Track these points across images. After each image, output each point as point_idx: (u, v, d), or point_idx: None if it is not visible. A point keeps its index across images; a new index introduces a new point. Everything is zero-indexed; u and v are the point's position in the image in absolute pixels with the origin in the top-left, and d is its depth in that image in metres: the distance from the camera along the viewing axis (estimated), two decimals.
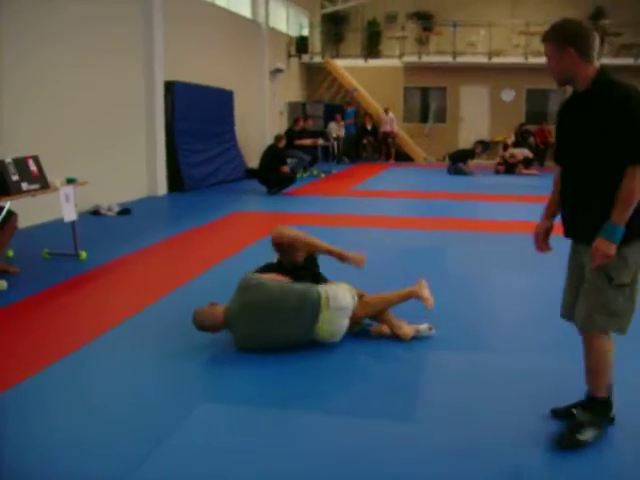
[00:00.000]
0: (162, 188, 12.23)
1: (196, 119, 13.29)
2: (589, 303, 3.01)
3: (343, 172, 17.31)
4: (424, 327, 4.58)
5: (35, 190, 6.05)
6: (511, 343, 4.55)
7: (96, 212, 9.65)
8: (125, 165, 11.14)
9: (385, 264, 6.50)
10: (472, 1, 21.24)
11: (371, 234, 8.35)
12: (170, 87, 12.33)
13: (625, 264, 2.91)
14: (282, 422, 3.34)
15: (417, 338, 4.49)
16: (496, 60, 20.33)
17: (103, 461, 2.92)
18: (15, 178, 5.81)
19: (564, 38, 2.91)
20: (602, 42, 20.05)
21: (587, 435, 3.05)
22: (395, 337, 4.48)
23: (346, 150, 20.20)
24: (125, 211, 9.88)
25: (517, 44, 20.49)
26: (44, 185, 6.17)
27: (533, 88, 21.14)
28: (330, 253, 4.75)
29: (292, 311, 4.20)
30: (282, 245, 4.67)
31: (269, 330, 4.21)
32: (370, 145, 21.25)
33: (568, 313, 3.22)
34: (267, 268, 4.76)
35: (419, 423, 3.34)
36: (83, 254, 6.76)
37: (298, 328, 4.22)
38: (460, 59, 20.48)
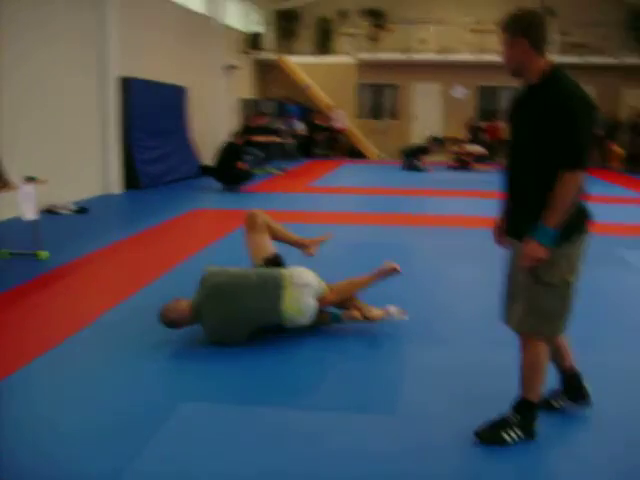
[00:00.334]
0: (117, 186, 12.04)
1: (151, 116, 13.13)
2: (522, 305, 3.00)
3: (297, 169, 17.30)
4: (394, 309, 4.62)
5: None
6: (468, 337, 4.63)
7: (51, 211, 9.45)
8: (78, 163, 10.94)
9: (345, 260, 6.58)
10: None
11: (330, 231, 8.35)
12: (126, 84, 12.14)
13: (552, 264, 2.89)
14: (258, 419, 3.35)
15: (384, 333, 4.55)
16: (448, 57, 20.54)
17: (90, 461, 2.89)
18: None
19: (518, 29, 2.86)
20: (552, 41, 20.48)
21: (512, 435, 3.06)
22: (365, 320, 4.54)
23: (298, 147, 20.25)
24: (82, 210, 9.70)
25: (468, 42, 20.74)
26: (3, 184, 6.03)
27: (485, 85, 21.46)
28: (296, 244, 5.05)
29: (256, 286, 4.27)
30: (255, 221, 4.80)
31: (236, 310, 4.21)
32: (323, 142, 21.29)
33: (505, 316, 3.22)
34: None
35: (396, 416, 3.39)
36: (44, 254, 6.63)
37: (264, 303, 4.23)
38: (412, 56, 20.64)
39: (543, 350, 3.04)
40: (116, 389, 3.68)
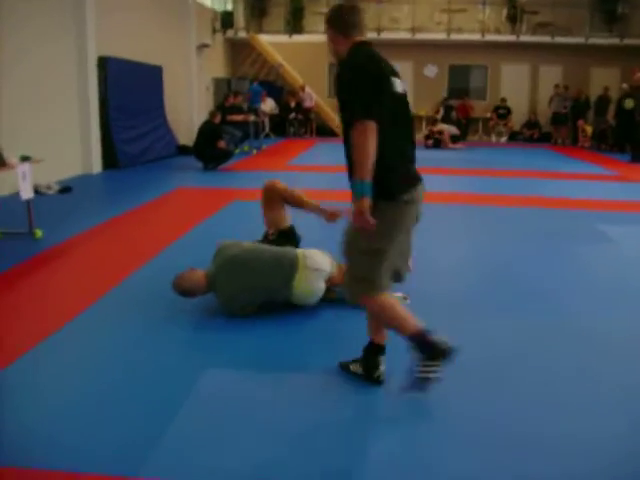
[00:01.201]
0: (97, 166, 12.00)
1: (128, 95, 13.06)
2: (347, 270, 3.33)
3: (272, 148, 17.35)
4: (399, 296, 4.78)
5: None
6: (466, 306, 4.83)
7: (36, 191, 9.39)
8: (59, 142, 10.87)
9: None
10: None
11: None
12: (102, 62, 12.06)
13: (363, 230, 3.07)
14: (279, 383, 3.49)
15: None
16: (419, 36, 20.66)
17: (118, 438, 3.00)
18: None
19: (327, 22, 3.35)
20: (520, 20, 20.76)
21: (357, 371, 3.49)
22: None
23: (271, 126, 20.30)
24: (66, 189, 9.69)
25: (439, 21, 20.89)
26: (1, 163, 6.04)
27: (455, 64, 21.67)
28: (316, 210, 5.09)
29: (270, 264, 4.40)
30: (272, 195, 4.91)
31: (249, 283, 4.34)
32: (296, 121, 21.32)
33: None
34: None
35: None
36: (38, 232, 6.66)
37: (277, 280, 4.37)
38: (384, 35, 20.71)
39: (384, 306, 3.25)
40: (137, 360, 3.78)
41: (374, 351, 3.45)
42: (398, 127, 3.21)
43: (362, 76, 3.06)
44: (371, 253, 3.15)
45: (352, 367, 3.53)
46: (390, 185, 3.12)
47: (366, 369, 3.46)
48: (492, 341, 4.14)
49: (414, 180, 3.29)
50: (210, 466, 2.72)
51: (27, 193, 6.37)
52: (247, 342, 4.04)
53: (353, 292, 3.31)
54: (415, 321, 3.24)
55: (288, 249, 4.60)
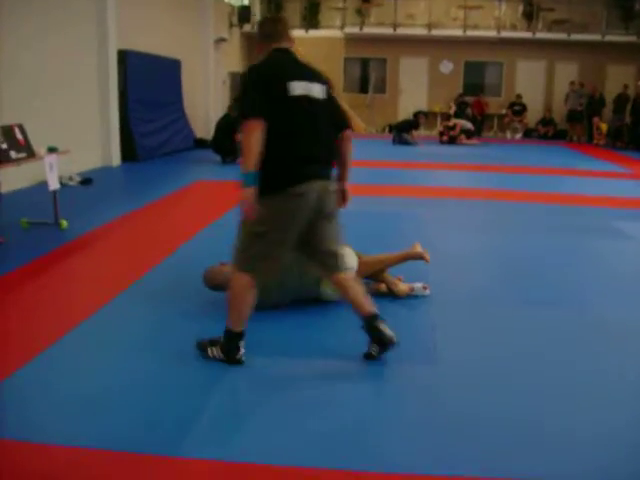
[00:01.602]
0: (116, 158, 12.15)
1: (147, 89, 13.21)
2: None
3: None
4: (419, 286, 4.90)
5: (22, 159, 6.07)
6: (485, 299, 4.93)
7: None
8: (80, 135, 11.00)
9: (360, 228, 6.80)
10: None
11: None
12: (122, 56, 12.20)
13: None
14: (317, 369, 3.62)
15: (412, 297, 4.81)
16: (435, 32, 20.70)
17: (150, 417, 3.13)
18: (4, 146, 5.82)
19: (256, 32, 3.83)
20: (536, 17, 20.77)
21: (214, 353, 3.65)
22: (391, 294, 4.79)
23: None
24: (87, 181, 9.84)
25: (455, 17, 20.91)
26: (30, 154, 6.19)
27: (471, 60, 21.68)
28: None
29: (302, 261, 4.39)
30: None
31: (282, 281, 4.39)
32: None
33: None
34: None
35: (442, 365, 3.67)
36: (64, 223, 6.79)
37: (308, 279, 4.46)
38: (400, 31, 20.78)
39: (241, 285, 3.52)
40: (172, 346, 3.90)
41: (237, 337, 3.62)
42: (293, 127, 3.43)
43: (252, 78, 3.43)
44: (252, 235, 3.47)
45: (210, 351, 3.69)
46: (276, 178, 3.38)
47: (227, 352, 3.62)
48: (511, 333, 4.25)
49: (308, 177, 3.45)
50: (258, 446, 2.84)
51: (54, 184, 6.50)
52: (279, 330, 4.15)
53: (233, 260, 3.60)
54: (243, 324, 3.59)
55: None
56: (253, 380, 3.49)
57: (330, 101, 3.67)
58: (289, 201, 3.41)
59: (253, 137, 3.25)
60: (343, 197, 3.86)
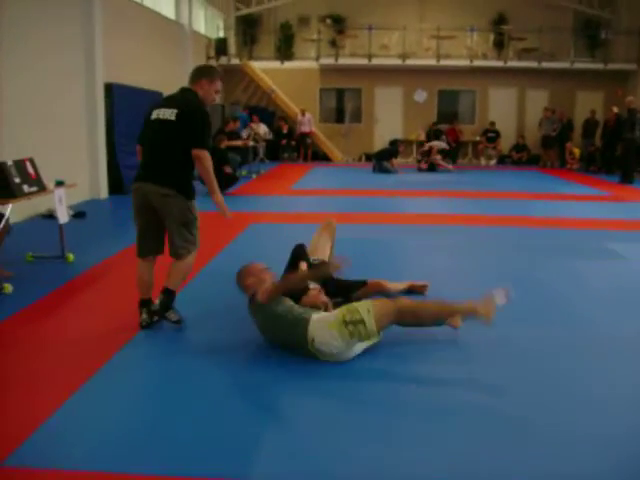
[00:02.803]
0: (104, 191, 12.18)
1: (132, 121, 13.19)
2: (177, 239, 4.71)
3: (271, 172, 17.59)
4: (421, 284, 5.40)
5: (34, 192, 6.11)
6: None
7: (51, 215, 9.53)
8: (69, 167, 11.00)
9: (367, 257, 6.92)
10: (382, 5, 21.86)
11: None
12: (108, 89, 12.29)
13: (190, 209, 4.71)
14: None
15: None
16: (409, 62, 21.09)
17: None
18: (17, 180, 5.86)
19: None
20: (507, 46, 21.31)
21: (173, 317, 4.78)
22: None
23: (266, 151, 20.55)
24: (80, 214, 9.84)
25: (428, 47, 21.35)
26: (41, 187, 6.23)
27: (444, 89, 22.14)
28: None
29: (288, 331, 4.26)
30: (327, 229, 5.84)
31: (278, 336, 4.37)
32: (289, 146, 21.59)
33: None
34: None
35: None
36: (71, 256, 6.81)
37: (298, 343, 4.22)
38: (374, 61, 21.13)
39: (192, 260, 4.83)
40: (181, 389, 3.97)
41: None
42: (145, 144, 4.75)
43: None
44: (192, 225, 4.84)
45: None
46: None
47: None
48: (509, 349, 4.42)
49: (139, 178, 4.71)
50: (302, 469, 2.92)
51: (63, 217, 6.55)
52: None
53: (184, 249, 4.82)
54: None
55: (299, 325, 4.17)
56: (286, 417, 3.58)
57: (181, 123, 4.53)
58: (132, 195, 4.85)
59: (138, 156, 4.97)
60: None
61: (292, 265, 5.16)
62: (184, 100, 4.65)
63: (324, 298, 4.66)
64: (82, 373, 3.94)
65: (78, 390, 3.70)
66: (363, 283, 5.24)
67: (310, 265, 5.09)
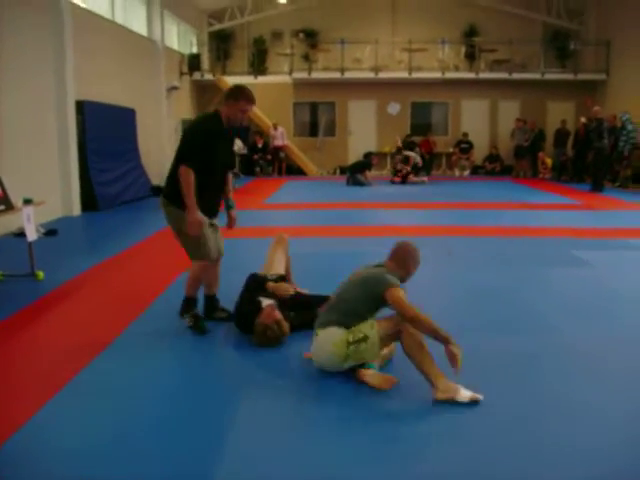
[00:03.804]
0: (77, 208, 12.12)
1: (104, 138, 13.27)
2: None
3: (244, 187, 17.61)
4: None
5: (2, 211, 6.08)
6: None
7: (22, 234, 9.45)
8: (40, 185, 10.96)
9: (315, 269, 6.94)
10: (355, 19, 22.04)
11: (308, 243, 8.74)
12: (80, 106, 12.26)
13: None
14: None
15: None
16: (381, 75, 21.24)
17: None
18: None
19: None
20: (478, 58, 21.55)
21: (188, 322, 5.05)
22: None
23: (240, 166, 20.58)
24: (52, 232, 9.79)
25: (400, 60, 21.53)
26: (9, 206, 6.21)
27: (417, 101, 22.32)
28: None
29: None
30: (280, 243, 5.87)
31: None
32: (263, 161, 21.61)
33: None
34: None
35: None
36: (41, 274, 6.78)
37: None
38: (347, 75, 21.26)
39: (198, 268, 5.03)
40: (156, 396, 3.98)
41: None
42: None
43: (191, 137, 4.93)
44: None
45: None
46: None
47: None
48: (480, 361, 4.45)
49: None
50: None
51: (32, 235, 6.52)
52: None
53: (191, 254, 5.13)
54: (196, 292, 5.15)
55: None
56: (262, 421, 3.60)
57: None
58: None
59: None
60: None
61: (249, 293, 5.10)
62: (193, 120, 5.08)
63: (278, 315, 4.72)
64: (51, 387, 3.94)
65: (46, 404, 3.69)
66: (326, 298, 5.22)
67: (267, 281, 5.17)
